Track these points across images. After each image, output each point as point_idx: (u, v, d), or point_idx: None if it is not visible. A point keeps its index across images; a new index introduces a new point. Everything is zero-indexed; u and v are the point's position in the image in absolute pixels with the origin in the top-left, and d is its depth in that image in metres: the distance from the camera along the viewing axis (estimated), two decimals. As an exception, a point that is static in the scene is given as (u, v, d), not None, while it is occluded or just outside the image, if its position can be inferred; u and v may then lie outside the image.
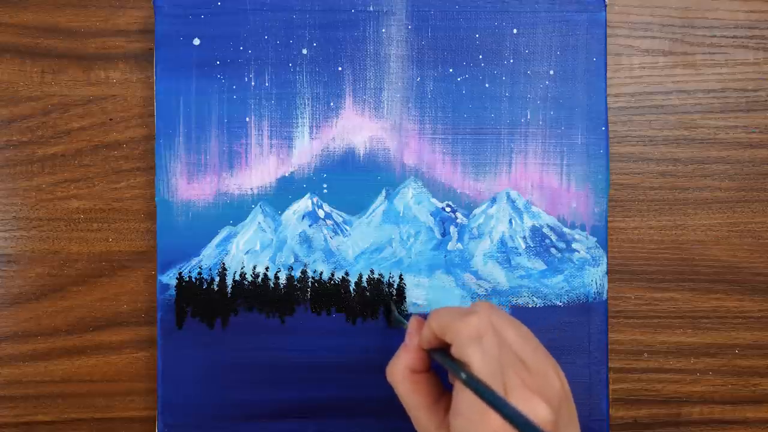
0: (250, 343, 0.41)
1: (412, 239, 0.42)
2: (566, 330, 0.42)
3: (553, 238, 0.43)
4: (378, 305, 0.42)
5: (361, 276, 0.42)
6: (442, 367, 0.33)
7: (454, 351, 0.31)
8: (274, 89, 0.42)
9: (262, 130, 0.42)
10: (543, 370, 0.31)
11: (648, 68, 0.45)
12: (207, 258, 0.41)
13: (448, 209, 0.43)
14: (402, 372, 0.34)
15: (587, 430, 0.42)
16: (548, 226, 0.43)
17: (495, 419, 0.28)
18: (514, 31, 0.42)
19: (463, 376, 0.30)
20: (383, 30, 0.42)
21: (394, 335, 0.42)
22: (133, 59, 0.43)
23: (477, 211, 0.43)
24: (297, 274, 0.42)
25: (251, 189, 0.42)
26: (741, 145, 0.45)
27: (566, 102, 0.42)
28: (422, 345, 0.34)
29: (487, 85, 0.42)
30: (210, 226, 0.42)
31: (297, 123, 0.42)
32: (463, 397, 0.30)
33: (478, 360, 0.30)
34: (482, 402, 0.29)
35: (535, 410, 0.29)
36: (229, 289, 0.42)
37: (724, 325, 0.44)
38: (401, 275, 0.42)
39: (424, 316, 0.36)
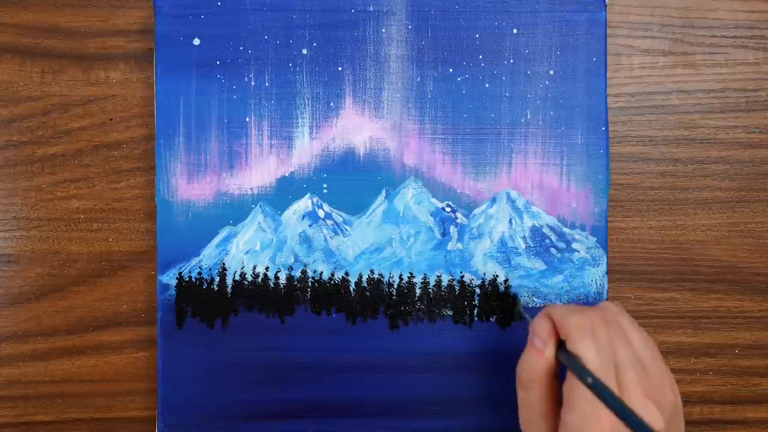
0: (250, 343, 0.41)
1: (412, 239, 0.42)
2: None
3: (553, 238, 0.43)
4: (378, 305, 0.42)
5: (361, 276, 0.42)
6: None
7: (569, 344, 0.31)
8: (274, 89, 0.42)
9: (262, 130, 0.42)
10: (660, 378, 0.31)
11: (648, 68, 0.45)
12: (207, 258, 0.41)
13: (448, 209, 0.43)
14: (541, 377, 0.33)
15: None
16: (548, 226, 0.43)
17: (607, 416, 0.29)
18: (514, 31, 0.42)
19: (590, 380, 0.30)
20: (383, 30, 0.42)
21: (395, 336, 0.42)
22: (133, 59, 0.43)
23: (477, 211, 0.43)
24: (297, 274, 0.42)
25: (251, 189, 0.42)
26: (741, 145, 0.45)
27: (566, 102, 0.42)
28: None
29: (487, 85, 0.42)
30: (210, 226, 0.42)
31: (297, 123, 0.42)
32: (579, 393, 0.30)
33: (593, 354, 0.30)
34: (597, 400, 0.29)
35: (649, 413, 0.29)
36: (229, 289, 0.42)
37: (724, 325, 0.44)
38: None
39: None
